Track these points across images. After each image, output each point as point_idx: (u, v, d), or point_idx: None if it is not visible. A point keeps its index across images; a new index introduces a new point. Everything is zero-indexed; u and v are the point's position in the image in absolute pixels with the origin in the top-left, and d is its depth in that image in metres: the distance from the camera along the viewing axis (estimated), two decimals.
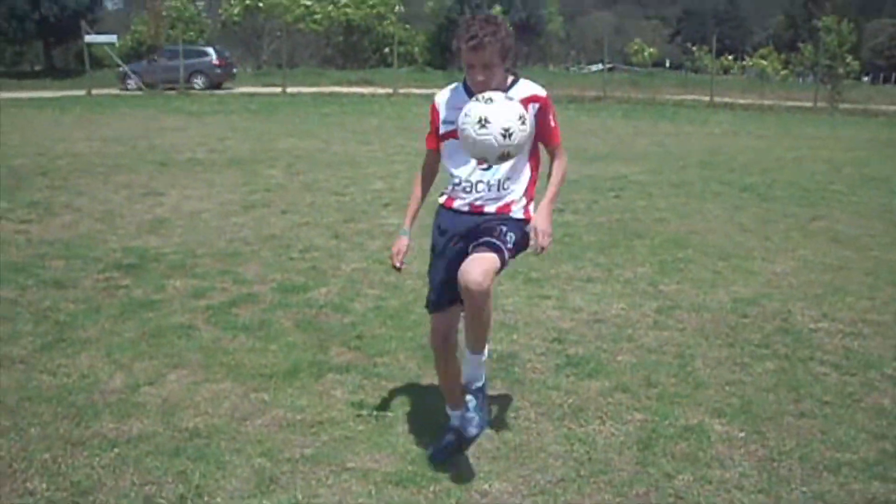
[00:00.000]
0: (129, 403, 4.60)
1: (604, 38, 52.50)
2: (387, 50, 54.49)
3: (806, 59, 43.81)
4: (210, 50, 39.84)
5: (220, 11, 58.41)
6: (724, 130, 22.17)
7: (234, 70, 41.60)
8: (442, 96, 4.03)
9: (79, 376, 4.98)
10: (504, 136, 3.53)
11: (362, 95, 34.22)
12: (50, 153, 14.67)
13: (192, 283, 6.92)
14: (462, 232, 3.95)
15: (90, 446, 4.11)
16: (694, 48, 58.77)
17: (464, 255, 3.79)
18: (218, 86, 37.59)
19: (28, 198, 10.45)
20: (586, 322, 6.16)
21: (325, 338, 5.67)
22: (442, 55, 56.61)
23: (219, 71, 38.52)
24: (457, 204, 4.00)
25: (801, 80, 55.94)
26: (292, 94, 33.75)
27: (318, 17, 56.40)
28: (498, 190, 3.91)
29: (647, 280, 7.21)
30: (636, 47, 60.87)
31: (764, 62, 56.94)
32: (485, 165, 3.83)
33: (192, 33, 51.06)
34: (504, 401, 4.72)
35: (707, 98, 33.55)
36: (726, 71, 57.33)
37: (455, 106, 3.83)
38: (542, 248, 3.76)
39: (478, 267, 3.64)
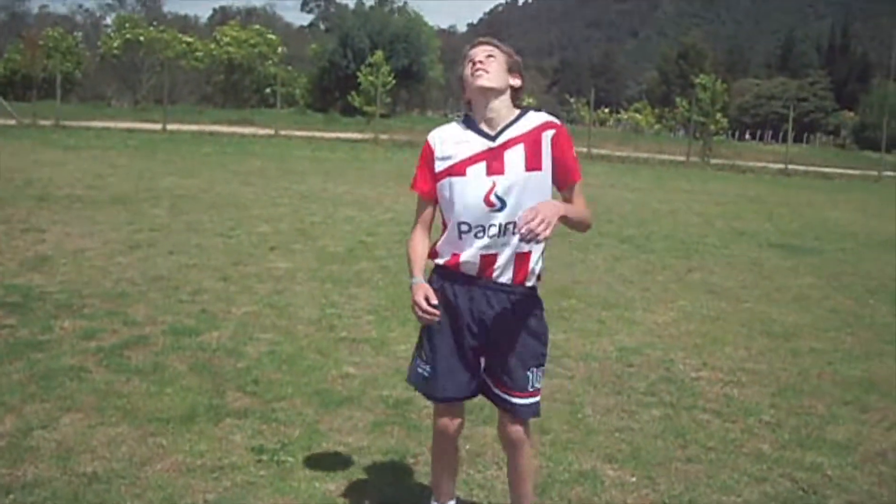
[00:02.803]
0: (22, 447, 4.50)
1: None
2: (268, 90, 54.45)
3: (680, 115, 45.31)
4: None
5: (98, 44, 57.50)
6: (602, 182, 22.75)
7: None
8: (438, 131, 3.58)
9: None
10: None
11: (243, 135, 34.03)
12: None
13: (80, 323, 6.81)
14: (474, 326, 3.52)
15: None
16: (571, 99, 60.22)
17: (479, 362, 3.59)
18: None
19: None
20: None
21: (221, 382, 5.66)
22: (323, 98, 56.83)
23: None
24: (464, 259, 3.47)
25: (672, 134, 57.82)
26: (172, 132, 33.31)
27: (199, 54, 56.04)
28: (514, 234, 3.35)
29: None
30: None
31: (638, 116, 58.85)
32: (497, 205, 3.37)
33: (68, 64, 50.04)
34: (401, 447, 4.79)
35: (585, 149, 34.42)
36: (602, 123, 58.89)
37: (457, 140, 3.48)
38: (536, 235, 3.08)
39: (526, 433, 3.62)
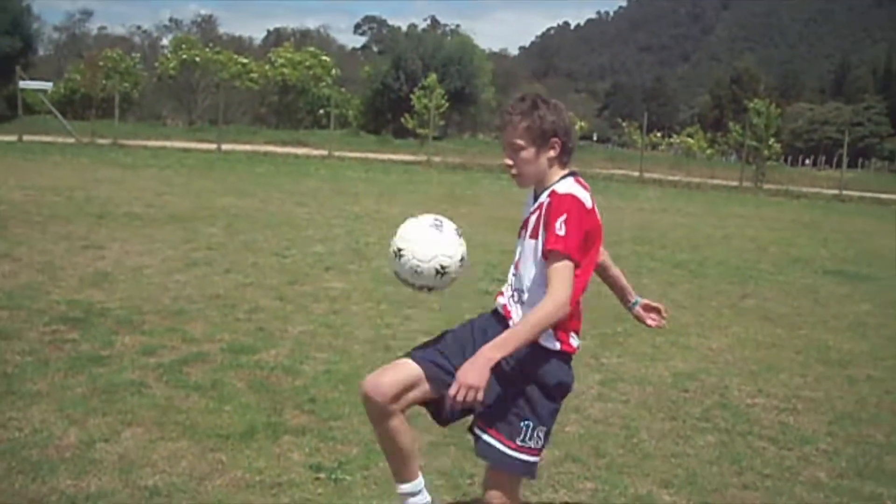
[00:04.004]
0: (86, 460, 4.60)
1: None
2: (321, 112, 54.88)
3: (732, 139, 45.05)
4: None
5: (156, 64, 58.42)
6: (654, 206, 22.67)
7: None
8: None
9: (31, 430, 4.95)
10: (438, 273, 3.42)
11: (297, 156, 34.35)
12: None
13: (140, 339, 6.92)
14: (486, 331, 3.45)
15: (48, 503, 4.11)
16: (623, 123, 60.06)
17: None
18: None
19: None
20: None
21: (279, 400, 5.73)
22: (376, 120, 57.23)
23: None
24: (500, 298, 3.53)
25: (724, 158, 57.45)
26: (227, 152, 33.70)
27: (254, 75, 56.68)
28: (517, 303, 3.43)
29: (589, 353, 7.38)
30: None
31: (690, 140, 58.50)
32: (514, 271, 3.47)
33: (126, 84, 50.88)
34: (457, 467, 4.82)
35: (636, 173, 34.33)
36: (654, 147, 58.70)
37: (525, 201, 3.53)
38: (469, 403, 3.11)
39: (513, 496, 3.40)
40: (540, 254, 3.28)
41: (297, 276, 9.93)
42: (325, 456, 4.85)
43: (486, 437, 3.34)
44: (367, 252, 11.85)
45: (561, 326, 3.31)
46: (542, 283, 3.27)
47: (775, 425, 5.93)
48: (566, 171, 3.41)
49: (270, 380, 6.15)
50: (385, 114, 56.78)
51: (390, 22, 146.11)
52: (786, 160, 64.81)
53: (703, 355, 7.67)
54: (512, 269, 3.47)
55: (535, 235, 3.33)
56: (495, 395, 3.29)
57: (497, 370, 3.18)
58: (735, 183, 35.23)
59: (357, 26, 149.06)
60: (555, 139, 3.35)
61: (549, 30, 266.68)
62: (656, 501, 4.53)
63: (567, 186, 3.31)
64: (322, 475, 4.57)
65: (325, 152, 35.78)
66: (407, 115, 44.61)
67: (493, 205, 19.37)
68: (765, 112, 37.16)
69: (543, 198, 3.34)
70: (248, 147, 36.29)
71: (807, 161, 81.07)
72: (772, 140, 37.50)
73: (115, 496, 4.21)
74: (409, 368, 3.42)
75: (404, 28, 79.73)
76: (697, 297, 10.19)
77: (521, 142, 3.34)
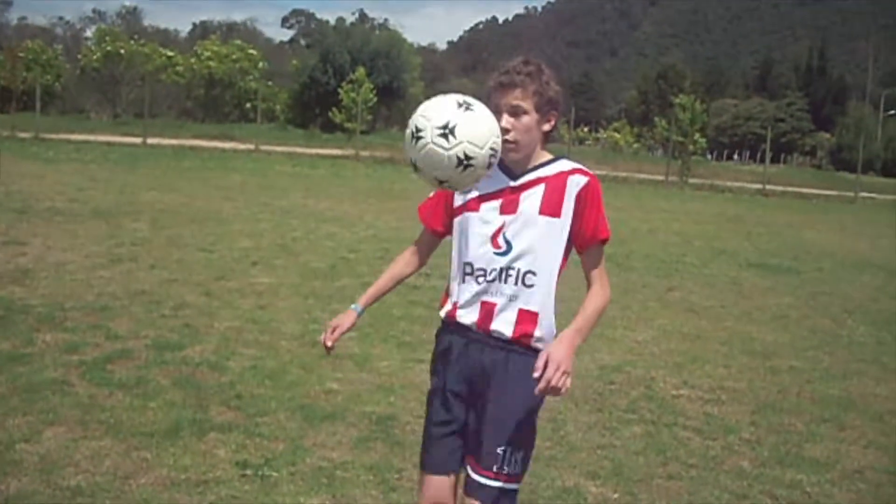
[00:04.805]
0: (5, 461, 4.50)
1: None
2: (248, 105, 54.41)
3: (658, 134, 45.60)
4: None
5: (79, 56, 57.39)
6: None
7: None
8: None
9: None
10: (461, 163, 2.72)
11: (224, 150, 33.98)
12: None
13: (62, 337, 6.79)
14: (466, 385, 3.13)
15: None
16: None
17: (465, 433, 3.14)
18: None
19: None
20: None
21: (204, 396, 5.66)
22: (303, 114, 56.80)
23: None
24: (462, 312, 3.10)
25: (650, 153, 58.16)
26: (152, 146, 33.25)
27: (180, 68, 55.98)
28: (516, 283, 3.03)
29: None
30: None
31: (617, 135, 59.15)
32: (503, 248, 3.03)
33: (48, 77, 49.91)
34: (385, 462, 4.81)
35: None
36: (581, 142, 59.16)
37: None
38: (557, 390, 2.82)
39: None
40: (554, 232, 3.02)
41: (224, 271, 9.82)
42: (252, 452, 4.81)
43: (468, 468, 3.13)
44: (294, 247, 11.78)
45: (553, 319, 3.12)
46: (545, 259, 3.04)
47: (700, 416, 6.03)
48: (552, 157, 3.15)
49: (196, 376, 6.08)
50: (313, 108, 56.36)
51: (318, 15, 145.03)
52: (711, 155, 65.86)
53: (630, 348, 7.76)
54: (488, 251, 3.06)
55: (552, 213, 3.03)
56: (479, 426, 3.11)
57: (488, 390, 3.06)
58: (661, 177, 35.68)
59: (285, 19, 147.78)
60: (554, 112, 3.09)
61: (477, 24, 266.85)
62: (583, 493, 4.57)
63: (583, 167, 3.13)
64: (248, 472, 4.53)
65: (252, 146, 35.44)
66: (335, 110, 44.41)
67: (421, 199, 19.13)
68: (690, 107, 37.66)
69: (544, 173, 3.08)
70: (174, 141, 35.81)
71: (737, 156, 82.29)
72: (697, 135, 38.03)
73: (37, 497, 4.13)
74: (435, 485, 3.17)
75: (333, 22, 79.16)
76: (624, 290, 10.29)
77: (525, 105, 3.00)
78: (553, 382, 2.77)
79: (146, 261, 10.06)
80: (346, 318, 3.29)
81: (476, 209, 3.09)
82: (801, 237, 18.72)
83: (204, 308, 8.08)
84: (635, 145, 59.09)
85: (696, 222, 20.00)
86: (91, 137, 34.54)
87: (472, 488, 3.05)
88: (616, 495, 4.59)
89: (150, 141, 34.12)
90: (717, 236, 17.27)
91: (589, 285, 3.13)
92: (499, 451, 3.02)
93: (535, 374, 2.81)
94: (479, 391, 3.09)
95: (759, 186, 35.50)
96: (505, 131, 2.95)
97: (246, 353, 6.72)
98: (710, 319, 9.21)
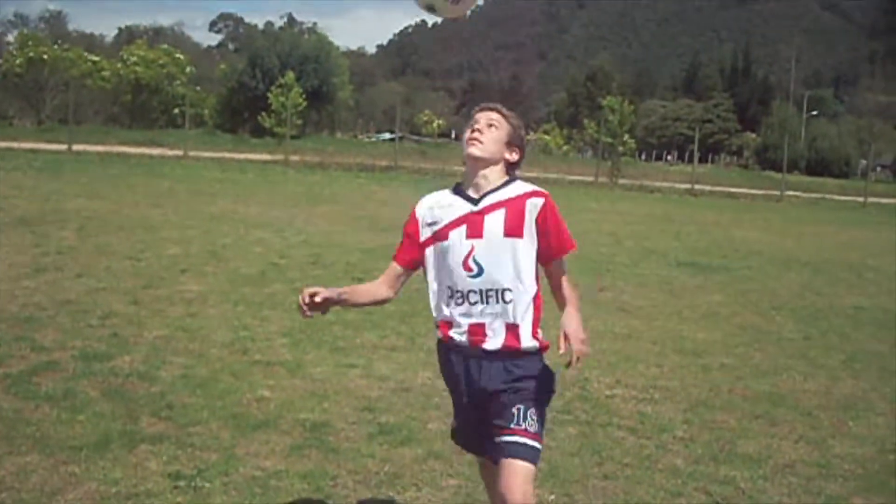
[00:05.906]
0: None
1: (396, 107, 53.51)
2: (176, 111, 53.74)
3: (588, 136, 45.98)
4: None
5: (0, 62, 56.19)
6: None
7: None
8: (426, 198, 3.58)
9: None
10: None
11: (151, 157, 33.45)
12: None
13: None
14: (474, 397, 3.42)
15: None
16: None
17: (487, 425, 3.38)
18: None
19: None
20: (394, 390, 6.29)
21: (134, 407, 5.56)
22: (232, 119, 56.25)
23: None
24: (453, 332, 3.40)
25: (580, 155, 58.61)
26: (78, 152, 32.61)
27: (105, 73, 55.09)
28: (497, 302, 3.33)
29: None
30: (426, 118, 62.15)
31: (547, 137, 59.51)
32: (474, 270, 3.35)
33: None
34: (319, 470, 4.76)
35: None
36: None
37: (442, 205, 3.49)
38: (584, 353, 3.23)
39: (517, 487, 3.17)
40: (521, 251, 3.35)
41: (152, 279, 9.67)
42: (184, 463, 4.73)
43: (495, 439, 3.35)
44: (223, 253, 11.64)
45: (536, 324, 3.43)
46: (518, 277, 3.34)
47: (634, 415, 6.07)
48: (508, 178, 3.50)
49: (125, 387, 5.97)
50: (242, 113, 55.77)
51: (247, 20, 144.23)
52: (640, 156, 66.54)
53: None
54: (463, 276, 3.37)
55: (515, 233, 3.35)
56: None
57: (498, 393, 3.35)
58: (591, 178, 35.99)
59: (213, 24, 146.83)
60: (518, 149, 3.50)
61: (406, 28, 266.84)
62: None
63: (538, 188, 3.46)
64: (181, 483, 4.46)
65: (180, 152, 34.93)
66: (264, 114, 43.99)
67: (352, 203, 19.27)
68: (619, 109, 38.05)
69: (503, 196, 3.41)
70: (100, 148, 35.12)
71: (668, 157, 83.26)
72: (626, 136, 38.45)
73: None
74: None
75: (261, 26, 78.74)
76: None
77: (499, 125, 3.46)
78: (577, 349, 3.18)
79: (72, 270, 9.86)
80: (324, 289, 3.43)
81: (445, 238, 3.41)
82: (729, 236, 18.99)
83: (132, 317, 7.94)
84: (565, 147, 59.49)
85: (626, 222, 20.20)
86: (14, 144, 33.74)
87: (498, 452, 3.28)
88: (552, 497, 4.60)
89: (75, 147, 33.44)
90: (647, 236, 17.45)
91: (560, 288, 3.47)
92: (513, 410, 3.29)
93: (561, 351, 3.20)
94: (485, 396, 3.38)
95: (687, 186, 35.98)
96: (477, 132, 3.43)
97: (176, 362, 6.61)
98: (642, 319, 9.29)
